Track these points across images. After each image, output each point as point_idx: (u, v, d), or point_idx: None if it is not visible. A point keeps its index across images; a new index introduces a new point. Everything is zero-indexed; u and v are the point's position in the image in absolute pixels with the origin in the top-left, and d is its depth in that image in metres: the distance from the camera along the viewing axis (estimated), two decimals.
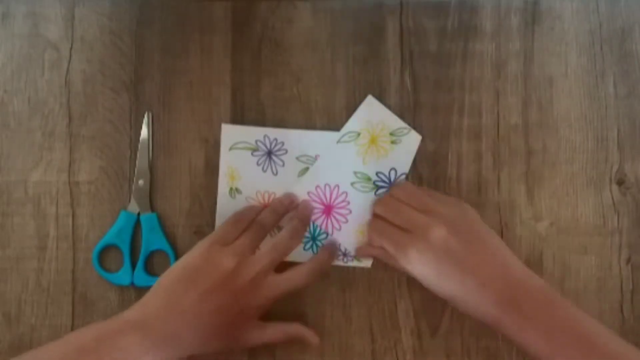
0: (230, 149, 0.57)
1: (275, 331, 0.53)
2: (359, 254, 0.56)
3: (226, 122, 0.57)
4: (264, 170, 0.57)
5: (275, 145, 0.57)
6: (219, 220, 0.56)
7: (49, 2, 0.58)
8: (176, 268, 0.51)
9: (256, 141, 0.57)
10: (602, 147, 0.57)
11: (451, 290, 0.49)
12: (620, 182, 0.57)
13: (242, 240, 0.52)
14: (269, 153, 0.57)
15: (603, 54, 0.58)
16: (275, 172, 0.57)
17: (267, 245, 0.52)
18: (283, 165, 0.57)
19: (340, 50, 0.58)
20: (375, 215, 0.55)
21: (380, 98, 0.57)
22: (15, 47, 0.58)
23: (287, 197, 0.56)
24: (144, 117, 0.57)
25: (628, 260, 0.56)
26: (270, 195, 0.57)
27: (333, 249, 0.56)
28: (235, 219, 0.54)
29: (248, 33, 0.58)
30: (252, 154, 0.57)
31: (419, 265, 0.49)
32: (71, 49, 0.58)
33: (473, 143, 0.57)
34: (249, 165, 0.57)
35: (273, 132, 0.57)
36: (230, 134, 0.57)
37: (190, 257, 0.51)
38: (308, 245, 0.56)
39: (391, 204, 0.54)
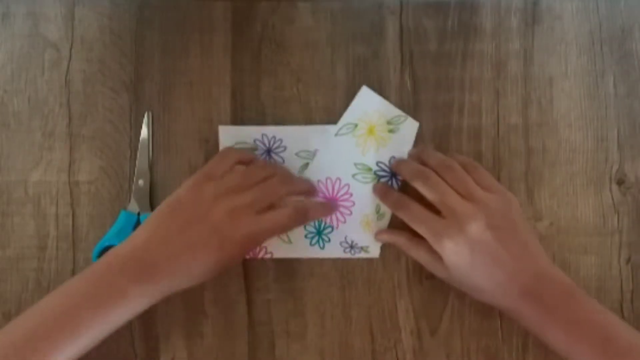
0: None
1: (268, 223, 0.52)
2: (379, 237, 0.55)
3: (226, 122, 0.57)
4: None
5: (274, 142, 0.57)
6: None
7: (49, 2, 0.58)
8: (165, 201, 0.51)
9: (254, 140, 0.57)
10: (602, 147, 0.57)
11: (478, 283, 0.49)
12: (620, 182, 0.57)
13: (231, 178, 0.52)
14: (269, 151, 0.57)
15: (603, 54, 0.58)
16: None
17: (257, 192, 0.52)
18: (283, 162, 0.57)
19: (340, 50, 0.58)
20: (415, 185, 0.53)
21: None
22: (15, 47, 0.58)
23: (307, 183, 0.56)
24: (144, 117, 0.57)
25: (628, 260, 0.56)
26: None
27: (328, 204, 0.56)
28: (221, 155, 0.54)
29: (248, 33, 0.58)
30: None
31: (453, 255, 0.49)
32: (71, 48, 0.58)
33: (473, 143, 0.57)
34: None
35: (270, 130, 0.57)
36: (228, 135, 0.57)
37: (177, 191, 0.51)
38: (314, 240, 0.56)
39: (435, 183, 0.51)
